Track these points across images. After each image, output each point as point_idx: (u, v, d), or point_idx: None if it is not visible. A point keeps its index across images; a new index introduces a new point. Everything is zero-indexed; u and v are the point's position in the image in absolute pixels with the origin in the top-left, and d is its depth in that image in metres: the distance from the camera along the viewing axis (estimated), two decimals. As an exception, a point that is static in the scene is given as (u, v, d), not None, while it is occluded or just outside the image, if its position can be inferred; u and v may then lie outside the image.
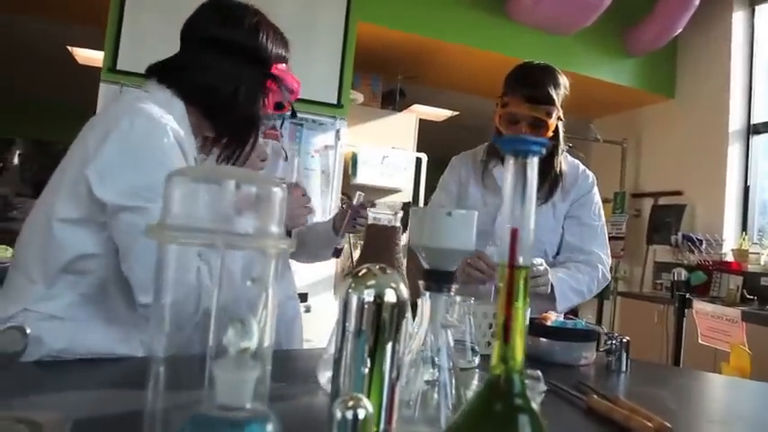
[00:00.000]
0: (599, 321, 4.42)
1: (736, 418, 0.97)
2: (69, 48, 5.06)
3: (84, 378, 0.84)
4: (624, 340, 1.17)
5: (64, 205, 0.95)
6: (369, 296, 0.56)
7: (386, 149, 3.97)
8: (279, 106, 1.16)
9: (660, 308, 3.78)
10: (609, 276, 1.65)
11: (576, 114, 4.73)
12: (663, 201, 4.51)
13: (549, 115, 1.50)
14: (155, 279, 0.46)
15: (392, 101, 4.45)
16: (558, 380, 0.99)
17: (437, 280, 0.66)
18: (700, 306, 2.56)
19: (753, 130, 4.25)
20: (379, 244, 0.84)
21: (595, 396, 0.88)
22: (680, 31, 4.13)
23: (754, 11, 4.35)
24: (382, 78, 4.37)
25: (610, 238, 1.72)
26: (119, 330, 0.98)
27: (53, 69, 5.74)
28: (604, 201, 2.20)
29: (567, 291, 1.50)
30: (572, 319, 1.27)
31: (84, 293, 0.97)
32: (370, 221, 0.86)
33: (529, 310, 1.35)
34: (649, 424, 0.76)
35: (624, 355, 1.17)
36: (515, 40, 4.01)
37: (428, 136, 4.58)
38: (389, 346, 0.56)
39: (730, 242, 4.07)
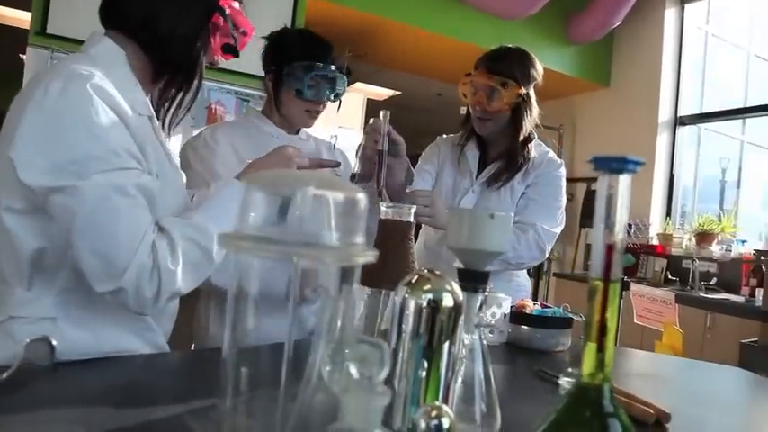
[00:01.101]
0: (534, 300, 4.62)
1: (714, 401, 1.05)
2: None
3: (91, 385, 0.78)
4: (599, 327, 1.23)
5: (7, 194, 0.84)
6: (426, 301, 0.56)
7: (333, 129, 3.93)
8: (229, 49, 1.07)
9: (592, 288, 3.99)
10: (545, 247, 1.57)
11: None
12: (596, 186, 4.74)
13: (505, 86, 1.52)
14: (234, 287, 0.44)
15: (339, 79, 4.40)
16: (543, 366, 1.04)
17: (473, 280, 0.67)
18: (636, 288, 2.73)
19: (679, 121, 4.53)
20: (394, 241, 0.83)
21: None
22: (618, 23, 4.32)
23: (684, 8, 4.60)
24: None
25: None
26: (116, 324, 0.92)
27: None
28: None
29: None
30: (549, 307, 1.32)
31: (66, 288, 0.88)
32: (382, 216, 0.85)
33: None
34: (651, 411, 0.81)
35: (599, 342, 1.23)
36: (464, 22, 4.05)
37: (373, 116, 4.56)
38: (446, 347, 0.57)
39: (656, 227, 4.35)
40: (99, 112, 0.83)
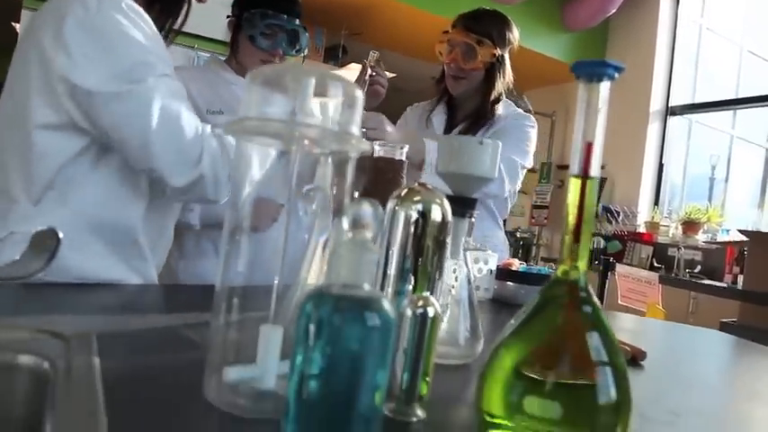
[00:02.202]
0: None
1: (691, 351, 1.09)
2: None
3: (86, 301, 0.80)
4: (583, 285, 1.27)
5: (42, 111, 0.87)
6: (415, 213, 0.58)
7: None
8: None
9: (579, 272, 4.05)
10: (503, 176, 1.49)
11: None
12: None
13: (481, 44, 1.55)
14: (235, 181, 0.47)
15: (335, 57, 4.39)
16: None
17: (461, 205, 0.69)
18: (621, 269, 2.78)
19: (670, 111, 4.58)
20: (386, 177, 0.85)
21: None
22: (614, 11, 4.34)
23: (678, 1, 4.63)
24: (326, 33, 4.29)
25: (535, 207, 1.61)
26: (111, 252, 0.94)
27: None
28: (531, 170, 2.05)
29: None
30: (534, 265, 1.36)
31: (75, 210, 0.90)
32: (375, 154, 0.87)
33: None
34: (628, 348, 0.85)
35: (582, 299, 1.27)
36: (460, 5, 4.04)
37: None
38: (433, 263, 0.59)
39: (644, 215, 4.40)
40: (140, 25, 0.89)
